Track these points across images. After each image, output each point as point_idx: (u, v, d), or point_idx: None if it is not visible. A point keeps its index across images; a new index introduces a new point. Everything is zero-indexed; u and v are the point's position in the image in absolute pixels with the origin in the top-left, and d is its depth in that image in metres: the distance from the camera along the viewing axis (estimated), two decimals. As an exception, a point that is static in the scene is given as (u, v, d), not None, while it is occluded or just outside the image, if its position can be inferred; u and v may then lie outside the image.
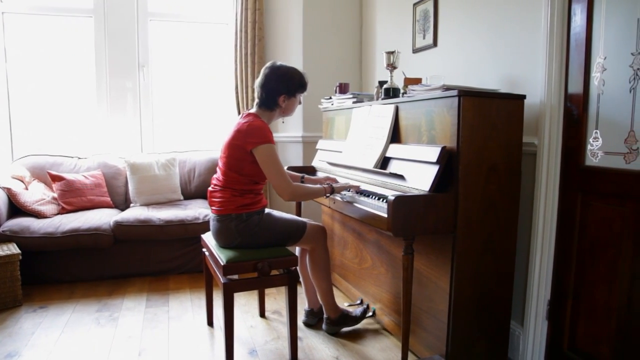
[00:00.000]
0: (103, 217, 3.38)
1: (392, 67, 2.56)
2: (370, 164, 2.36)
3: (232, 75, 4.09)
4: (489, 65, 2.44)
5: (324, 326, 2.57)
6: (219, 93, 4.43)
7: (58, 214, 3.47)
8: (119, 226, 3.29)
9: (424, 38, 3.01)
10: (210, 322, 2.68)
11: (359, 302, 2.84)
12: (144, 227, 3.33)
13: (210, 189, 2.35)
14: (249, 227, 2.22)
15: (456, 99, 1.89)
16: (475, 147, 1.93)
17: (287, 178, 2.20)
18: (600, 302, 1.88)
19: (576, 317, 2.00)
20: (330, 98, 3.23)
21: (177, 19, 4.33)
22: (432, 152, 1.96)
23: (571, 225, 2.01)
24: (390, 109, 2.37)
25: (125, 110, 4.20)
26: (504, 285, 2.11)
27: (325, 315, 2.56)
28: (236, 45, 4.02)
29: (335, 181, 2.50)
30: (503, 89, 2.26)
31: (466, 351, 2.07)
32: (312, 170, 3.15)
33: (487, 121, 1.94)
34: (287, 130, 4.06)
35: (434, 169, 1.94)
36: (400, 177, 2.12)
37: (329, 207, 2.56)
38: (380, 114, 2.45)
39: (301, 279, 2.65)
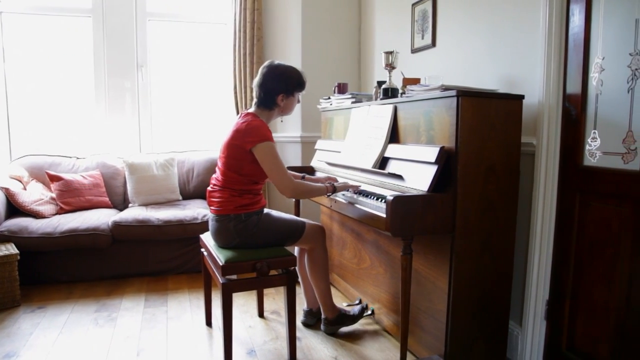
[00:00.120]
0: (101, 217, 3.38)
1: (390, 67, 2.56)
2: (369, 164, 2.36)
3: (231, 75, 4.09)
4: (487, 66, 2.44)
5: (322, 326, 2.57)
6: (218, 93, 4.42)
7: (56, 214, 3.47)
8: (117, 226, 3.29)
9: (422, 38, 3.01)
10: (208, 322, 2.68)
11: (357, 302, 2.84)
12: (142, 227, 3.32)
13: (209, 189, 2.35)
14: (247, 227, 2.22)
15: (455, 99, 1.90)
16: (474, 147, 1.93)
17: (289, 175, 2.20)
18: (599, 302, 1.88)
19: (574, 317, 2.00)
20: (329, 98, 3.23)
21: (176, 19, 4.33)
22: (431, 152, 1.96)
23: (569, 225, 2.01)
24: (389, 109, 2.37)
25: (123, 110, 4.19)
26: (503, 285, 2.11)
27: (323, 316, 2.55)
28: (235, 45, 4.02)
29: (336, 181, 2.50)
30: (501, 89, 2.26)
31: (465, 351, 2.07)
32: (311, 171, 3.15)
33: (485, 121, 1.94)
34: (286, 130, 4.06)
35: (433, 169, 1.94)
36: (399, 177, 2.12)
37: (328, 207, 2.56)
38: (379, 114, 2.45)
39: (300, 279, 2.65)
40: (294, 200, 3.16)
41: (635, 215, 1.72)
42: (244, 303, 2.98)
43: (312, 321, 2.67)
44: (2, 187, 3.36)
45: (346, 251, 3.05)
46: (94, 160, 3.96)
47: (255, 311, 2.85)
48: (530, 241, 2.16)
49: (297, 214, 3.08)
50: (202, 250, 2.59)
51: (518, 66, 2.24)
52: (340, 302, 2.81)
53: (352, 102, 2.86)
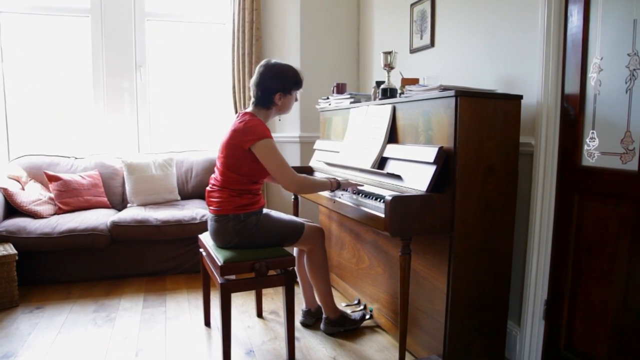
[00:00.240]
0: (100, 218, 3.37)
1: (389, 67, 2.56)
2: (368, 164, 2.36)
3: (230, 75, 4.09)
4: (486, 66, 2.44)
5: (322, 326, 2.57)
6: (217, 93, 4.42)
7: (55, 214, 3.47)
8: (116, 226, 3.29)
9: (421, 38, 3.01)
10: (207, 323, 2.68)
11: (356, 302, 2.84)
12: (141, 228, 3.32)
13: (208, 189, 2.35)
14: (246, 227, 2.22)
15: (453, 99, 1.90)
16: (472, 147, 1.93)
17: (291, 170, 2.19)
18: (597, 301, 1.88)
19: (573, 317, 2.01)
20: (328, 98, 3.23)
21: (175, 18, 4.32)
22: (429, 153, 1.96)
23: (568, 225, 2.02)
24: (388, 109, 2.37)
25: (122, 110, 4.19)
26: (501, 285, 2.11)
27: (324, 315, 2.56)
28: (233, 45, 4.02)
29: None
30: (500, 89, 2.26)
31: (463, 351, 2.07)
32: (309, 171, 3.15)
33: (484, 121, 1.94)
34: (285, 130, 4.06)
35: (431, 169, 1.94)
36: (398, 177, 2.12)
37: (327, 207, 2.56)
38: (378, 114, 2.45)
39: (299, 279, 2.65)
40: (292, 200, 3.16)
41: (633, 215, 1.72)
42: (242, 303, 2.98)
43: (311, 321, 2.67)
44: (0, 187, 3.36)
45: (345, 251, 3.05)
46: (93, 161, 3.96)
47: (254, 311, 2.85)
48: (529, 241, 2.16)
49: (296, 214, 3.08)
50: (201, 250, 2.59)
51: (516, 66, 2.24)
52: (339, 302, 2.81)
53: (351, 102, 2.86)
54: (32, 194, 3.49)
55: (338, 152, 2.77)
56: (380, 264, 2.58)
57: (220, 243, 2.27)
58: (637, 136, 1.70)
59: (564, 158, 2.03)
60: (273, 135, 4.20)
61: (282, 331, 2.59)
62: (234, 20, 3.99)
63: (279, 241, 2.31)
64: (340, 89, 3.16)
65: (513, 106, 2.02)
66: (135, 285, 3.30)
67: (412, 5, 3.08)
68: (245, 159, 2.18)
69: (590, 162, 1.91)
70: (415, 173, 2.04)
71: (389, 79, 2.60)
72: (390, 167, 2.25)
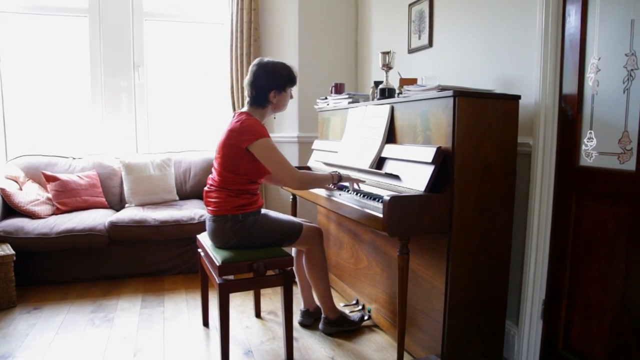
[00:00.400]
0: (98, 218, 3.37)
1: (387, 67, 2.56)
2: (366, 164, 2.36)
3: (228, 75, 4.08)
4: (484, 66, 2.44)
5: (321, 326, 2.57)
6: (215, 93, 4.42)
7: (52, 214, 3.46)
8: (114, 227, 3.28)
9: (419, 38, 3.01)
10: (205, 323, 2.68)
11: (354, 302, 2.84)
12: (139, 228, 3.31)
13: (205, 189, 2.34)
14: (244, 227, 2.22)
15: (451, 99, 1.90)
16: (471, 147, 1.94)
17: (292, 167, 2.19)
18: (595, 301, 1.89)
19: (571, 317, 2.01)
20: (326, 98, 3.23)
21: (173, 18, 4.32)
22: (428, 153, 1.96)
23: (566, 225, 2.02)
24: (386, 109, 2.37)
25: (120, 110, 4.18)
26: (499, 285, 2.11)
27: (323, 315, 2.56)
28: (232, 45, 4.02)
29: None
30: (498, 89, 2.26)
31: (462, 351, 2.07)
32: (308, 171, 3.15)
33: (482, 121, 1.95)
34: (283, 130, 4.06)
35: (430, 169, 1.94)
36: (396, 177, 2.12)
37: (325, 207, 2.56)
38: (376, 114, 2.45)
39: (297, 279, 2.65)
40: (291, 200, 3.16)
41: (631, 215, 1.72)
42: (240, 303, 2.98)
43: (309, 321, 2.67)
44: (-2, 188, 3.35)
45: (343, 251, 3.05)
46: (91, 161, 3.95)
47: (252, 311, 2.85)
48: (527, 241, 2.16)
49: (294, 215, 3.08)
50: (199, 250, 2.59)
51: (514, 66, 2.24)
52: (338, 302, 2.81)
53: (349, 102, 2.86)
54: (30, 194, 3.48)
55: (336, 152, 2.77)
56: (379, 264, 2.58)
57: (219, 243, 2.27)
58: (634, 136, 1.70)
59: (561, 158, 2.03)
60: (272, 135, 4.20)
61: (280, 331, 2.58)
62: (232, 20, 3.99)
63: (277, 241, 2.30)
64: (339, 89, 3.16)
65: (511, 106, 2.02)
66: (133, 285, 3.29)
67: (410, 5, 3.09)
68: (243, 158, 2.17)
69: (588, 162, 1.91)
70: (413, 173, 2.04)
71: (387, 79, 2.60)
72: (388, 167, 2.25)
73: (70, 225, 3.21)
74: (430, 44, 2.91)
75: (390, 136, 2.35)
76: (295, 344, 2.41)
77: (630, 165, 1.73)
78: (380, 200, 1.96)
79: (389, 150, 2.28)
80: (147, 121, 4.30)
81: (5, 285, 2.85)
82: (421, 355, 2.22)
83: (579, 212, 1.96)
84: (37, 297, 3.04)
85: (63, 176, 3.64)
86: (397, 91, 2.52)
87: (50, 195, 3.57)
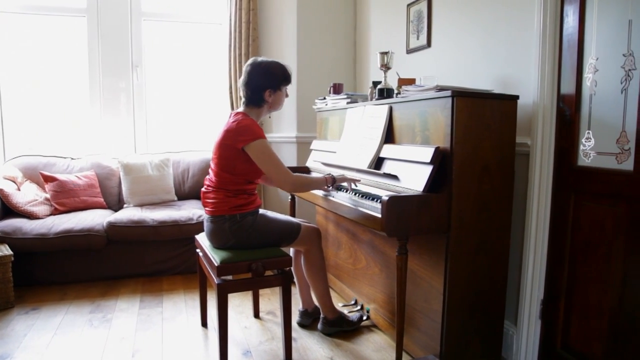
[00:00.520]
0: (96, 218, 3.36)
1: (386, 67, 2.56)
2: (364, 164, 2.36)
3: (226, 75, 4.08)
4: (482, 66, 2.45)
5: (319, 326, 2.57)
6: (213, 93, 4.41)
7: (51, 214, 3.45)
8: (112, 227, 3.28)
9: (417, 39, 3.02)
10: (204, 323, 2.68)
11: (353, 302, 2.84)
12: (137, 228, 3.31)
13: (203, 190, 2.34)
14: (243, 227, 2.22)
15: (450, 100, 1.90)
16: (469, 147, 1.94)
17: (286, 169, 2.20)
18: (593, 301, 1.89)
19: (569, 317, 2.01)
20: (324, 98, 3.23)
21: (171, 18, 4.31)
22: (426, 153, 1.96)
23: (564, 225, 2.02)
24: (384, 109, 2.37)
25: (118, 111, 4.18)
26: (498, 285, 2.12)
27: (322, 315, 2.56)
28: (230, 46, 4.01)
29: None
30: (496, 89, 2.26)
31: (460, 351, 2.08)
32: (306, 171, 3.15)
33: (480, 121, 1.95)
34: (281, 130, 4.06)
35: (428, 169, 1.94)
36: (394, 177, 2.12)
37: (324, 208, 2.56)
38: (374, 114, 2.45)
39: (295, 280, 2.65)
40: (289, 200, 3.16)
41: (629, 215, 1.73)
42: (239, 304, 2.98)
43: (308, 321, 2.67)
44: (-4, 188, 3.34)
45: (342, 251, 3.05)
46: (89, 161, 3.94)
47: (250, 312, 2.85)
48: (525, 241, 2.17)
49: (293, 214, 3.08)
50: (198, 250, 2.59)
51: (513, 67, 2.25)
52: (336, 303, 2.81)
53: (348, 103, 2.86)
54: (28, 195, 3.47)
55: (335, 152, 2.77)
56: (377, 264, 2.58)
57: (217, 244, 2.27)
58: (632, 136, 1.71)
59: (560, 158, 2.04)
60: (270, 135, 4.22)
61: (279, 331, 2.58)
62: (230, 20, 3.99)
63: (275, 241, 2.30)
64: (337, 89, 3.16)
65: (509, 106, 2.03)
66: (131, 286, 3.29)
67: (409, 5, 3.09)
68: (239, 159, 2.17)
69: (586, 162, 1.91)
70: (411, 173, 2.04)
71: (385, 79, 2.60)
72: (386, 167, 2.25)
73: (68, 225, 3.21)
74: (429, 44, 2.91)
75: (389, 136, 2.35)
76: (293, 344, 2.41)
77: (628, 165, 1.73)
78: (379, 201, 1.96)
79: (388, 151, 2.28)
80: (145, 121, 4.29)
81: (3, 285, 2.84)
82: (420, 355, 2.22)
83: (577, 212, 1.96)
84: (35, 298, 3.03)
85: (61, 176, 3.64)
86: (395, 91, 2.52)
87: (48, 196, 3.56)
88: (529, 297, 2.16)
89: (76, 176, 3.72)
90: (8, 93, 3.98)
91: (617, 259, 1.78)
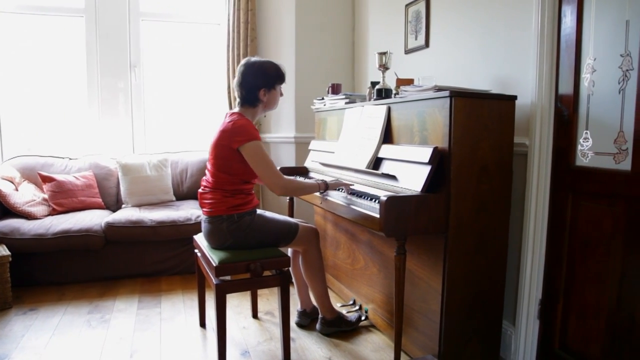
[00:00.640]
0: (94, 219, 3.36)
1: (384, 67, 2.57)
2: (363, 164, 2.36)
3: (224, 75, 4.08)
4: (480, 66, 2.45)
5: (318, 326, 2.57)
6: (211, 93, 4.41)
7: (49, 215, 3.45)
8: (110, 227, 3.27)
9: (416, 39, 3.02)
10: (202, 324, 2.67)
11: (351, 302, 2.84)
12: (135, 228, 3.31)
13: (200, 190, 2.34)
14: (240, 227, 2.22)
15: (448, 100, 1.90)
16: (467, 147, 1.94)
17: (278, 172, 2.20)
18: (591, 301, 1.89)
19: (567, 316, 2.02)
20: (323, 99, 3.23)
21: (169, 19, 4.31)
22: (424, 153, 1.96)
23: (562, 225, 2.02)
24: (383, 109, 2.37)
25: (116, 111, 4.17)
26: (496, 285, 2.12)
27: (320, 316, 2.56)
28: (228, 46, 4.01)
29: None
30: (494, 89, 2.27)
31: (458, 351, 2.08)
32: (304, 171, 3.15)
33: (478, 122, 1.95)
34: (280, 131, 4.06)
35: (426, 169, 1.94)
36: (393, 177, 2.12)
37: (321, 207, 2.56)
38: (373, 114, 2.45)
39: (294, 280, 2.65)
40: (288, 200, 3.16)
41: (626, 215, 1.73)
42: (237, 304, 2.97)
43: (306, 322, 2.67)
44: (-6, 188, 3.34)
45: (340, 252, 3.05)
46: (87, 161, 3.94)
47: (249, 312, 2.85)
48: (523, 241, 2.17)
49: (291, 215, 3.08)
50: (196, 251, 2.58)
51: (511, 67, 2.25)
52: (335, 303, 2.81)
53: (346, 103, 2.86)
54: (26, 195, 3.47)
55: (333, 152, 2.77)
56: (376, 264, 2.58)
57: (215, 244, 2.27)
58: (629, 136, 1.71)
59: (558, 158, 2.04)
60: (268, 135, 4.22)
61: (277, 332, 2.58)
62: (228, 20, 3.99)
63: (273, 242, 2.30)
64: (335, 89, 3.16)
65: (507, 106, 2.03)
66: (130, 286, 3.28)
67: (407, 5, 3.09)
68: (235, 159, 2.18)
69: (584, 162, 1.92)
70: (410, 173, 2.04)
71: (383, 80, 2.60)
72: (385, 168, 2.25)
73: (66, 226, 3.20)
74: (427, 44, 2.91)
75: (387, 136, 2.35)
76: (292, 344, 2.41)
77: (625, 165, 1.73)
78: (377, 201, 1.96)
79: (386, 151, 2.28)
80: (143, 121, 4.29)
81: (1, 286, 2.84)
82: (418, 356, 2.22)
83: (575, 212, 1.97)
84: (33, 298, 3.03)
85: (59, 177, 3.63)
86: (393, 91, 2.52)
87: (46, 196, 3.55)
88: (527, 297, 2.16)
89: (74, 176, 3.72)
90: (6, 93, 3.97)
91: (614, 259, 1.78)
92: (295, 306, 2.69)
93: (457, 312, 2.04)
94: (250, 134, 2.14)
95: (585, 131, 1.90)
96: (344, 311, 2.71)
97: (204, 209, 2.29)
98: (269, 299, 3.06)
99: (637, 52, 1.67)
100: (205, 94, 4.44)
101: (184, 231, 3.37)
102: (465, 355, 2.09)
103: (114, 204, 3.89)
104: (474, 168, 1.96)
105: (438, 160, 1.94)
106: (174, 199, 3.96)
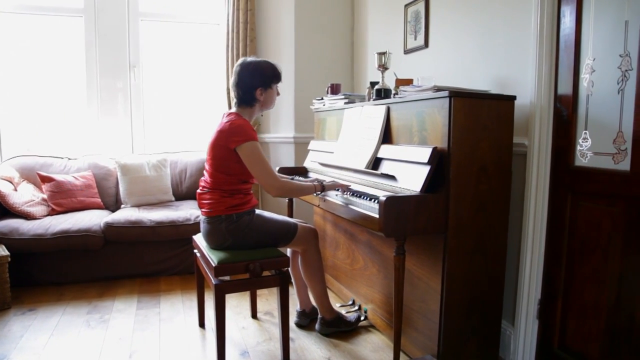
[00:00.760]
0: (93, 219, 3.35)
1: (383, 67, 2.57)
2: (362, 164, 2.36)
3: (224, 75, 4.08)
4: (479, 67, 2.45)
5: (317, 326, 2.57)
6: (211, 94, 4.41)
7: (48, 215, 3.44)
8: (109, 227, 3.27)
9: (415, 39, 3.02)
10: (201, 324, 2.67)
11: (350, 302, 2.84)
12: (134, 229, 3.30)
13: (198, 191, 2.34)
14: (239, 227, 2.22)
15: (447, 100, 1.90)
16: (466, 147, 1.94)
17: (273, 173, 2.20)
18: (590, 301, 1.89)
19: (566, 316, 2.02)
20: (322, 99, 3.23)
21: (169, 19, 4.31)
22: (424, 153, 1.96)
23: (561, 225, 2.03)
24: (382, 109, 2.37)
25: (116, 111, 4.17)
26: (495, 285, 2.12)
27: (319, 316, 2.56)
28: (228, 46, 4.01)
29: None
30: (493, 90, 2.27)
31: (458, 351, 2.08)
32: (304, 171, 3.15)
33: (477, 122, 1.95)
34: (279, 131, 4.06)
35: (425, 169, 1.95)
36: (392, 177, 2.12)
37: (320, 208, 2.56)
38: (372, 114, 2.46)
39: (293, 280, 2.65)
40: (287, 200, 3.16)
41: (625, 215, 1.73)
42: (237, 304, 2.97)
43: (306, 322, 2.67)
44: (-7, 189, 3.33)
45: (339, 252, 3.05)
46: (86, 161, 3.93)
47: (248, 312, 2.85)
48: (522, 241, 2.17)
49: (290, 215, 3.08)
50: (195, 251, 2.58)
51: (510, 67, 2.25)
52: (334, 303, 2.81)
53: (345, 103, 2.86)
54: (25, 195, 3.46)
55: (332, 152, 2.77)
56: (375, 264, 2.58)
57: (214, 244, 2.27)
58: (628, 136, 1.71)
59: (557, 158, 2.04)
60: (267, 135, 4.22)
61: (276, 332, 2.58)
62: (228, 20, 3.99)
63: (272, 242, 2.30)
64: (335, 89, 3.16)
65: (506, 107, 2.03)
66: (129, 286, 3.28)
67: (406, 6, 3.09)
68: (232, 159, 2.18)
69: (583, 163, 1.92)
70: (409, 173, 2.04)
71: (383, 80, 2.60)
72: (384, 168, 2.25)
73: (65, 226, 3.20)
74: (426, 44, 2.91)
75: (386, 137, 2.35)
76: (291, 344, 2.41)
77: (624, 166, 1.74)
78: (376, 201, 1.96)
79: (385, 151, 2.28)
80: (143, 121, 4.28)
81: (0, 286, 2.83)
82: (417, 356, 2.23)
83: (574, 212, 1.97)
84: (32, 299, 3.02)
85: (58, 177, 3.63)
86: (393, 92, 2.52)
87: (45, 196, 3.55)
88: (526, 296, 2.16)
89: (73, 176, 3.71)
90: (5, 93, 3.97)
91: (613, 259, 1.79)
92: (294, 306, 2.68)
93: (456, 312, 2.04)
94: (247, 134, 2.15)
95: (584, 131, 1.91)
96: (343, 311, 2.71)
97: (203, 210, 2.29)
98: (268, 299, 3.06)
99: (636, 52, 1.68)
100: (205, 94, 4.44)
101: (183, 231, 3.37)
102: (465, 355, 2.10)
103: (113, 204, 3.89)
104: (473, 168, 1.97)
105: (437, 160, 1.94)
106: (173, 199, 3.96)
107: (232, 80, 2.32)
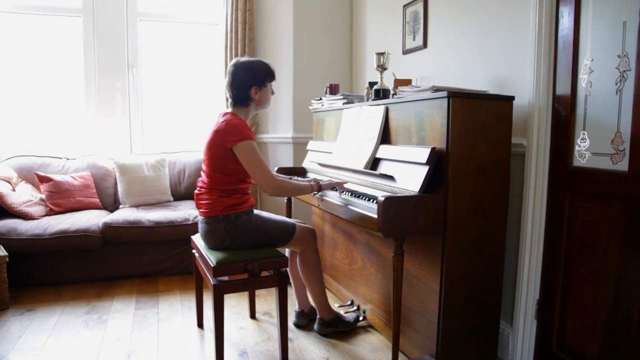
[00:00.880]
0: (92, 219, 3.35)
1: (382, 68, 2.57)
2: (361, 164, 2.36)
3: (223, 76, 4.08)
4: (478, 67, 2.45)
5: (316, 326, 2.57)
6: (209, 94, 4.41)
7: (46, 215, 3.44)
8: (108, 227, 3.27)
9: (414, 39, 3.02)
10: (200, 324, 2.67)
11: (349, 302, 2.84)
12: (133, 229, 3.30)
13: (196, 191, 2.34)
14: (238, 227, 2.22)
15: (446, 100, 1.90)
16: (465, 148, 1.94)
17: (270, 172, 2.20)
18: (588, 301, 1.90)
19: (564, 316, 2.02)
20: (321, 99, 3.23)
21: (167, 19, 4.31)
22: (422, 153, 1.97)
23: (559, 226, 2.03)
24: (380, 110, 2.37)
25: (114, 111, 4.17)
26: (493, 285, 2.12)
27: (318, 316, 2.56)
28: (226, 46, 4.01)
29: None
30: (492, 90, 2.27)
31: (456, 351, 2.08)
32: (302, 172, 3.15)
33: (476, 122, 1.95)
34: (277, 131, 4.06)
35: (424, 169, 1.95)
36: (390, 177, 2.13)
37: (319, 208, 2.56)
38: (370, 115, 2.46)
39: (291, 280, 2.65)
40: (285, 200, 3.16)
41: (623, 215, 1.74)
42: (235, 304, 2.97)
43: (304, 322, 2.67)
44: (-9, 189, 3.33)
45: (338, 252, 3.05)
46: (84, 161, 3.93)
47: (246, 312, 2.85)
48: (521, 241, 2.17)
49: (289, 215, 3.08)
50: (194, 251, 2.58)
51: (508, 68, 2.25)
52: (333, 303, 2.81)
53: (344, 103, 2.86)
54: (23, 195, 3.46)
55: (331, 152, 2.77)
56: (374, 264, 2.58)
57: (212, 244, 2.27)
58: (627, 137, 1.72)
59: (555, 159, 2.04)
60: (266, 135, 4.21)
61: (275, 332, 2.58)
62: (226, 20, 3.99)
63: (271, 242, 2.30)
64: (333, 89, 3.16)
65: (505, 107, 2.03)
66: (127, 286, 3.28)
67: (405, 6, 3.09)
68: (229, 158, 2.18)
69: (581, 163, 1.92)
70: (408, 174, 2.04)
71: (381, 80, 2.60)
72: (383, 168, 2.25)
73: (63, 226, 3.20)
74: (425, 45, 2.91)
75: (385, 137, 2.35)
76: (290, 344, 2.41)
77: (622, 166, 1.74)
78: (375, 201, 1.96)
79: (384, 151, 2.28)
80: (141, 122, 4.28)
81: (-2, 286, 2.83)
82: (416, 356, 2.23)
83: (572, 212, 1.97)
84: (30, 299, 3.02)
85: (56, 177, 3.62)
86: (391, 92, 2.52)
87: (43, 196, 3.55)
88: (524, 297, 2.16)
89: (71, 177, 3.71)
90: (3, 93, 3.96)
91: (612, 259, 1.79)
92: (293, 307, 2.69)
93: (454, 312, 2.04)
94: (243, 134, 2.15)
95: (582, 132, 1.91)
96: (341, 311, 2.71)
97: (201, 210, 2.28)
98: (266, 300, 3.06)
99: (634, 53, 1.68)
100: (203, 94, 4.43)
101: (181, 231, 3.37)
102: (463, 355, 2.10)
103: (112, 204, 3.88)
104: (471, 168, 1.97)
105: (436, 160, 1.94)
106: (171, 199, 3.96)
107: (226, 80, 2.32)
